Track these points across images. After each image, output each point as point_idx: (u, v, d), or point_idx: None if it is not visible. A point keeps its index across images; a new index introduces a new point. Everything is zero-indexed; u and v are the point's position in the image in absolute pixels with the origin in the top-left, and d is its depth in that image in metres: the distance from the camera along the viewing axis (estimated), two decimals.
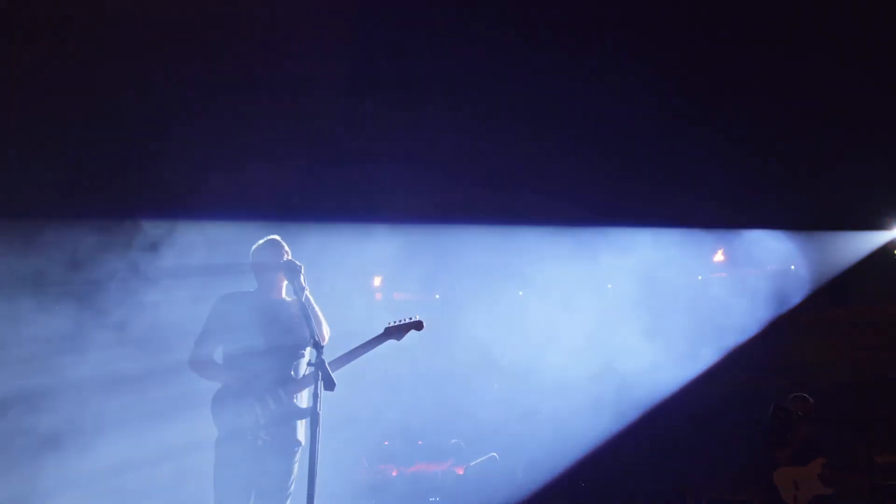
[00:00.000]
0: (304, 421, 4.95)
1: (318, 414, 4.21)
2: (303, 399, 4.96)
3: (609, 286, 10.20)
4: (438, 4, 7.33)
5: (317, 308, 4.95)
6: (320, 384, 4.21)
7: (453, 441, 8.19)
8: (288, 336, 4.95)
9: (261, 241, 5.13)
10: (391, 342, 5.06)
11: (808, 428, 7.67)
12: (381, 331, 5.06)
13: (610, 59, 8.04)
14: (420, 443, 8.25)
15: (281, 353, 4.92)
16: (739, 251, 10.49)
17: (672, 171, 9.27)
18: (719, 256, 10.72)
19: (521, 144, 8.61)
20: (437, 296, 10.08)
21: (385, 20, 7.67)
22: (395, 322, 5.09)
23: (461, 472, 7.74)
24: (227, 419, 4.81)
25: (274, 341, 4.91)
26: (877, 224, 10.33)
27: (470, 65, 8.10)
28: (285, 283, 5.08)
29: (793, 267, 10.53)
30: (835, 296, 10.53)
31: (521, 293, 10.10)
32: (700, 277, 10.77)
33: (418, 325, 5.11)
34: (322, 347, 4.30)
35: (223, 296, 5.04)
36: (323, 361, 4.23)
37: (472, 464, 7.76)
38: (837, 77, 7.85)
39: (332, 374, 4.21)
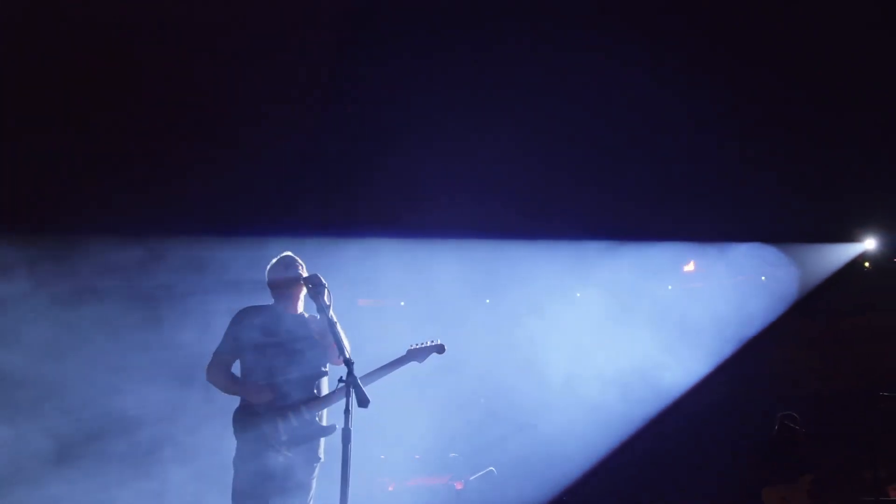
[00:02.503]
0: (323, 438, 4.99)
1: (349, 430, 4.22)
2: (323, 416, 5.00)
3: (578, 295, 10.25)
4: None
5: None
6: (352, 400, 4.24)
7: (452, 455, 8.22)
8: (309, 352, 4.99)
9: (276, 258, 5.19)
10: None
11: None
12: (404, 353, 5.11)
13: (591, 69, 8.11)
14: (417, 457, 8.26)
15: (303, 370, 4.94)
16: (712, 263, 10.54)
17: (646, 184, 9.40)
18: (690, 267, 10.83)
19: (497, 154, 8.68)
20: (403, 303, 10.10)
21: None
22: (417, 345, 5.15)
23: (460, 487, 7.78)
24: (249, 436, 4.83)
25: (295, 357, 4.94)
26: (847, 236, 10.46)
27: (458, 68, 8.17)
28: (302, 298, 5.14)
29: (763, 278, 10.61)
30: (807, 308, 10.56)
31: (488, 301, 10.16)
32: (670, 287, 10.84)
33: (440, 349, 5.18)
34: (353, 364, 4.34)
35: (243, 309, 5.07)
36: (356, 378, 4.26)
37: (472, 478, 7.79)
38: (809, 89, 8.05)
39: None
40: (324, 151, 8.59)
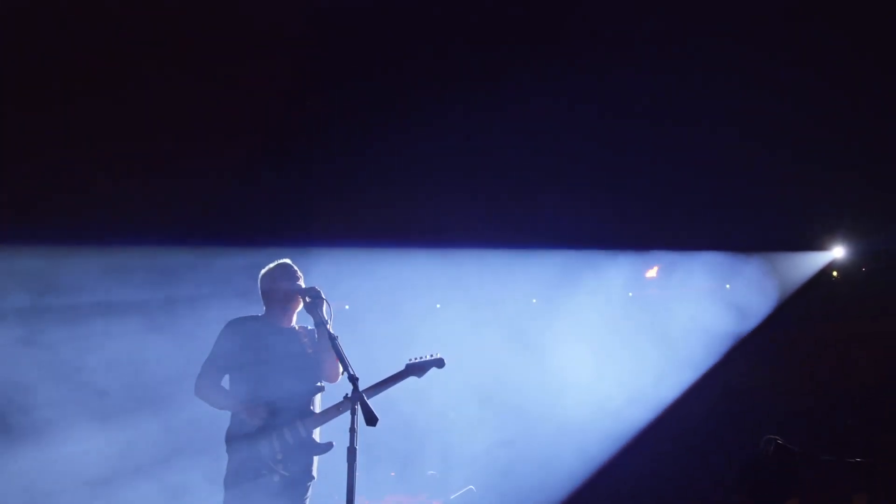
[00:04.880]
0: (317, 456, 4.93)
1: (355, 448, 4.19)
2: (317, 434, 4.93)
3: (533, 301, 10.30)
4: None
5: None
6: (357, 418, 4.20)
7: (430, 473, 8.18)
8: (304, 368, 4.94)
9: (272, 266, 5.10)
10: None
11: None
12: (402, 367, 5.05)
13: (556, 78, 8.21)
14: (392, 474, 8.20)
15: (297, 386, 4.89)
16: (676, 271, 10.54)
17: (613, 193, 9.49)
18: (652, 273, 10.86)
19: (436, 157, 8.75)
20: (347, 306, 10.06)
21: None
22: (415, 359, 5.10)
23: None
24: (241, 454, 4.75)
25: (289, 372, 4.88)
26: (814, 245, 10.55)
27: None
28: (297, 311, 5.07)
29: (728, 286, 10.63)
30: (774, 318, 10.49)
31: (438, 305, 10.16)
32: (630, 294, 10.83)
33: (439, 363, 5.12)
34: (358, 380, 4.30)
35: (233, 320, 4.99)
36: (362, 395, 4.23)
37: (452, 497, 7.76)
38: (779, 98, 8.20)
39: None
40: (282, 155, 8.56)
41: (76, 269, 7.50)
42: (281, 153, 8.62)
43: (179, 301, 7.95)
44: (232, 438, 4.82)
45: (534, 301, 10.31)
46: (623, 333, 9.92)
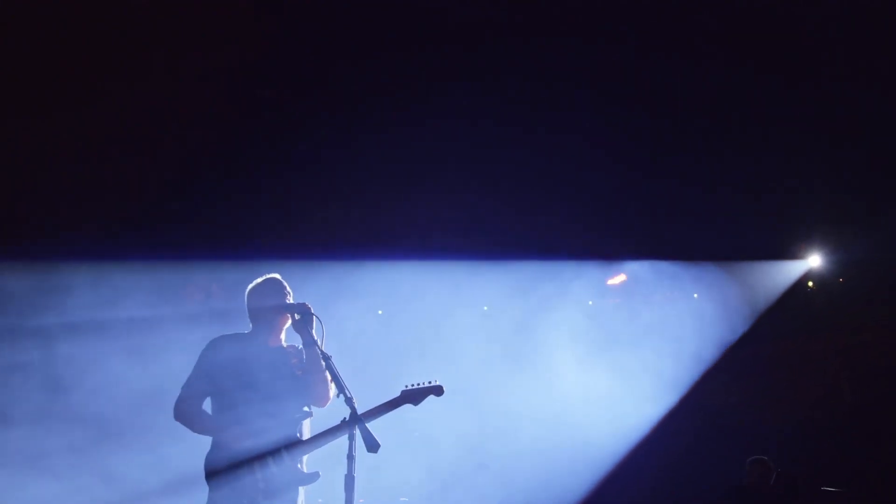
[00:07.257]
0: (304, 487, 4.79)
1: (353, 476, 4.15)
2: (304, 463, 4.79)
3: (485, 308, 10.29)
4: None
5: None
6: (356, 443, 4.14)
7: (402, 500, 8.08)
8: (291, 390, 4.81)
9: (259, 280, 4.99)
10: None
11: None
12: (398, 394, 4.86)
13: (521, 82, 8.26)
14: (361, 501, 8.07)
15: (283, 410, 4.76)
16: (646, 281, 10.68)
17: (587, 201, 9.55)
18: (615, 280, 10.89)
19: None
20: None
21: None
22: (412, 385, 4.89)
23: None
24: (222, 482, 4.60)
25: (275, 395, 4.75)
26: (789, 253, 10.64)
27: None
28: (285, 329, 4.95)
29: (696, 295, 10.65)
30: (748, 331, 10.62)
31: (380, 312, 10.16)
32: (591, 303, 10.82)
33: (438, 390, 4.89)
34: (355, 403, 4.22)
35: (215, 339, 4.87)
36: (361, 419, 4.15)
37: None
38: (751, 103, 8.38)
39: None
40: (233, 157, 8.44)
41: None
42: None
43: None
44: (211, 466, 4.67)
45: (485, 308, 10.23)
46: (591, 348, 9.91)
